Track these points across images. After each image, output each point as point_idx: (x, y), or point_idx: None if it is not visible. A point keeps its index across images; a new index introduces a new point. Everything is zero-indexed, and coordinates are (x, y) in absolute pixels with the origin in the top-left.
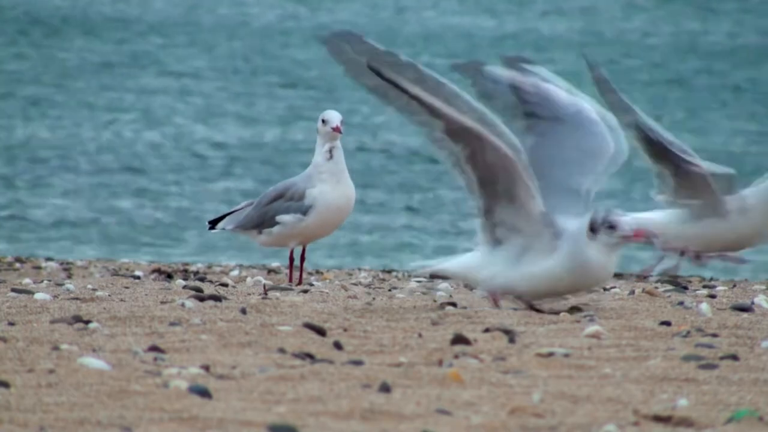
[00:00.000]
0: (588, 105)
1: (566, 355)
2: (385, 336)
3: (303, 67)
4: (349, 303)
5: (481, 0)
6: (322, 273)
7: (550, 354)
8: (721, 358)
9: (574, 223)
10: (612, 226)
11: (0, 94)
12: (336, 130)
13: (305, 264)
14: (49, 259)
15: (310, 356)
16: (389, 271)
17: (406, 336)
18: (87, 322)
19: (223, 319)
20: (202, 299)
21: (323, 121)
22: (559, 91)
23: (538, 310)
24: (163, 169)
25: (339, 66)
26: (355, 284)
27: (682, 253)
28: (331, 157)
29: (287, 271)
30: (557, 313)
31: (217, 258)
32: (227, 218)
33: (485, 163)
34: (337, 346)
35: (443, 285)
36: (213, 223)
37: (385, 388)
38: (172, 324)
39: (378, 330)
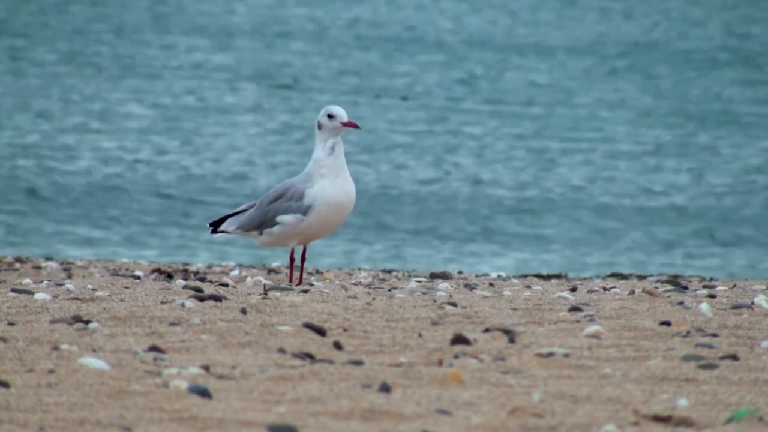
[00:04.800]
0: None
1: (566, 355)
2: (385, 336)
3: None
4: (349, 303)
5: None
6: (322, 273)
7: (550, 354)
8: (721, 358)
9: None
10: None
11: None
12: (350, 124)
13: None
14: (49, 258)
15: (310, 356)
16: (389, 271)
17: (406, 336)
18: (87, 322)
19: (223, 319)
20: (202, 299)
21: (329, 116)
22: None
23: None
24: None
25: None
26: (355, 284)
27: None
28: (332, 152)
29: (287, 271)
30: (557, 312)
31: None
32: (228, 220)
33: None
34: (337, 346)
35: (443, 285)
36: (214, 226)
37: (385, 388)
38: (172, 324)
39: (378, 330)
